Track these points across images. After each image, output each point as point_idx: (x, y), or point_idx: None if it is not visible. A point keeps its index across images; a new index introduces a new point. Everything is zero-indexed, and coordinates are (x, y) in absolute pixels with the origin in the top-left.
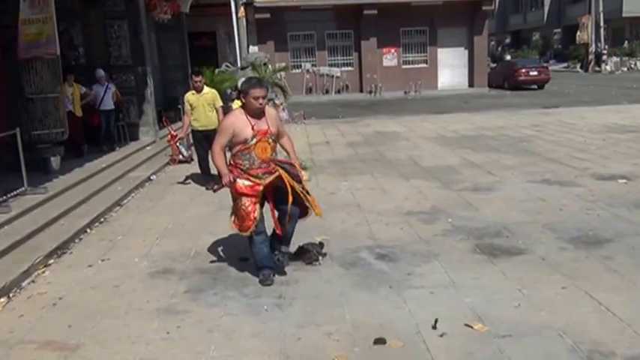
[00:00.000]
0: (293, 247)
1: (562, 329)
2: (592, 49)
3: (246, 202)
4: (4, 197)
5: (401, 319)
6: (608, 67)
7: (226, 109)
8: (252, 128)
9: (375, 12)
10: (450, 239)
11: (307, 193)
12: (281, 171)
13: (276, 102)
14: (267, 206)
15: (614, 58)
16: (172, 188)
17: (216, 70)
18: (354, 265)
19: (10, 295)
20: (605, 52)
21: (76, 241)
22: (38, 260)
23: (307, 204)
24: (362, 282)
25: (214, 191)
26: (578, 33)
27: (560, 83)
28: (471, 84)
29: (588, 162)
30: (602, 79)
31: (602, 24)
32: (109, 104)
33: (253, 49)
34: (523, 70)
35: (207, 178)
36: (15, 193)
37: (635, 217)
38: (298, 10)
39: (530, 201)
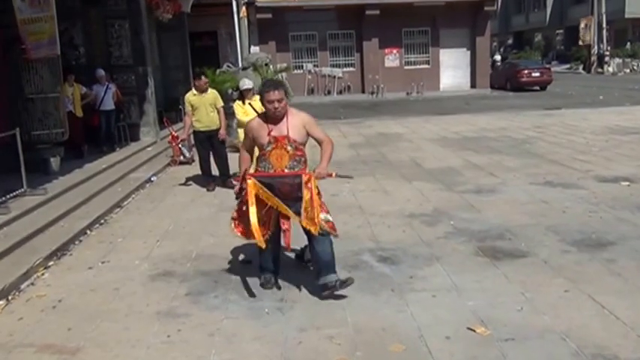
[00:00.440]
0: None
1: (565, 333)
2: (594, 50)
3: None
4: (4, 198)
5: (403, 323)
6: (610, 69)
7: (227, 110)
8: (269, 134)
9: (377, 12)
10: (453, 242)
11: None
12: (258, 187)
13: None
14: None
15: (617, 60)
16: (173, 190)
17: (218, 71)
18: (356, 268)
19: (9, 297)
20: (607, 53)
21: (76, 242)
22: (37, 262)
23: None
24: (364, 285)
25: (236, 197)
26: (581, 34)
27: (563, 84)
28: (473, 85)
29: (591, 164)
30: (604, 81)
31: (604, 25)
32: (109, 104)
33: (255, 49)
34: (525, 72)
35: (208, 180)
36: (14, 194)
37: (638, 220)
38: (300, 10)
39: (533, 203)
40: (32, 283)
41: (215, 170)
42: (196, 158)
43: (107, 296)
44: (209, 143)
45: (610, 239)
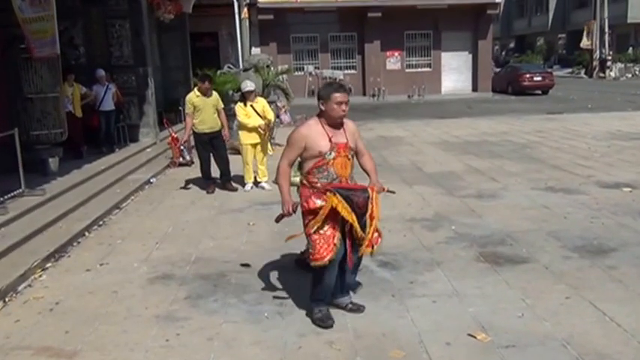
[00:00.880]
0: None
1: (566, 340)
2: (596, 54)
3: (325, 226)
4: (1, 199)
5: (403, 328)
6: (612, 74)
7: (228, 111)
8: (330, 140)
9: (379, 15)
10: (454, 247)
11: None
12: (339, 201)
13: (279, 104)
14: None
15: (619, 65)
16: (173, 192)
17: (218, 72)
18: (360, 272)
19: (6, 299)
20: (609, 58)
21: (74, 244)
22: (35, 264)
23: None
24: (364, 290)
25: (276, 221)
26: (584, 39)
27: (565, 89)
28: (474, 88)
29: (592, 169)
30: (606, 86)
31: (606, 30)
32: (109, 105)
33: (256, 50)
34: (527, 76)
35: (208, 182)
36: (12, 194)
37: (639, 226)
38: (302, 11)
39: (535, 208)
40: (29, 285)
41: (215, 172)
42: (196, 160)
43: (105, 299)
44: (211, 145)
45: (611, 245)
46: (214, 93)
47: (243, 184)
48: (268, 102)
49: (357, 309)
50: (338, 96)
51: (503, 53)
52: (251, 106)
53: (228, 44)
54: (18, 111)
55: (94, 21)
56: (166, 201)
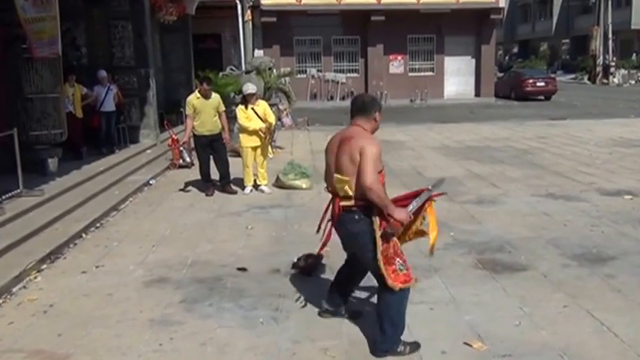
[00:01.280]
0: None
1: (563, 350)
2: (600, 60)
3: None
4: None
5: None
6: (615, 80)
7: (229, 114)
8: None
9: (383, 18)
10: (452, 253)
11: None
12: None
13: (280, 107)
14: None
15: (622, 71)
16: (172, 194)
17: (220, 74)
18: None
19: (0, 301)
20: (613, 64)
21: (71, 246)
22: (30, 265)
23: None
24: (362, 295)
25: (387, 238)
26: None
27: (568, 95)
28: (477, 93)
29: (594, 176)
30: (609, 92)
31: (610, 36)
32: (109, 106)
33: (259, 52)
34: (530, 81)
35: (207, 184)
36: (10, 194)
37: (639, 235)
38: (305, 14)
39: (535, 215)
40: (24, 287)
41: (215, 175)
42: (196, 162)
43: (100, 302)
44: (211, 147)
45: (611, 254)
46: (216, 95)
47: (243, 187)
48: (270, 104)
49: (355, 315)
50: (380, 114)
51: (507, 58)
52: (252, 108)
53: (231, 46)
54: (18, 111)
55: (97, 22)
56: (165, 203)
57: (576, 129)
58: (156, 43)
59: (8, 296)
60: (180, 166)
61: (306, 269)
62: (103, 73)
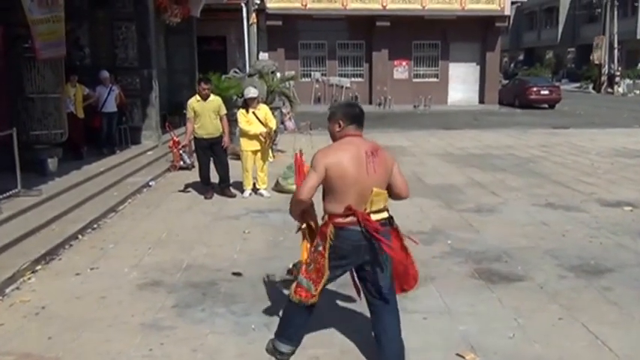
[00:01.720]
0: (285, 264)
1: None
2: (605, 70)
3: None
4: None
5: None
6: (620, 89)
7: (230, 117)
8: None
9: (388, 24)
10: (448, 262)
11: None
12: None
13: (284, 111)
14: None
15: (627, 80)
16: (171, 196)
17: (223, 77)
18: (348, 286)
19: None
20: (618, 73)
21: (67, 247)
22: (25, 266)
23: None
24: (354, 304)
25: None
26: (595, 53)
27: (572, 103)
28: (481, 100)
29: (595, 186)
30: (614, 101)
31: (616, 45)
32: (111, 107)
33: (263, 55)
34: (534, 89)
35: (206, 187)
36: (8, 194)
37: (638, 247)
38: (311, 18)
39: (533, 225)
40: (17, 288)
41: (214, 178)
42: (197, 164)
43: (92, 305)
44: (210, 150)
45: (609, 266)
46: (216, 98)
47: (242, 191)
48: (273, 108)
49: None
50: None
51: (512, 65)
52: (253, 112)
53: (236, 49)
54: (19, 110)
55: (101, 23)
56: (163, 205)
57: (579, 138)
58: (160, 44)
59: (0, 297)
60: (181, 168)
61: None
62: (105, 74)
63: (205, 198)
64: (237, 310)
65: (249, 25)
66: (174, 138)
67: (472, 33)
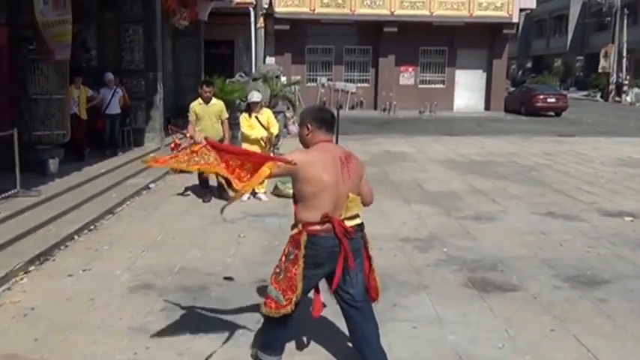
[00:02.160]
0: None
1: None
2: (613, 78)
3: None
4: None
5: None
6: (628, 98)
7: (233, 120)
8: None
9: (395, 30)
10: (443, 270)
11: None
12: None
13: (288, 115)
14: None
15: (635, 89)
16: (170, 198)
17: (227, 80)
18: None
19: None
20: (626, 82)
21: (62, 248)
22: (18, 266)
23: None
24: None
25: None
26: (603, 62)
27: (579, 111)
28: (487, 107)
29: (596, 196)
30: (621, 110)
31: (625, 54)
32: (114, 109)
33: (270, 59)
34: (541, 97)
35: (204, 191)
36: (7, 194)
37: (636, 259)
38: (319, 23)
39: (532, 234)
40: (9, 288)
41: (213, 181)
42: None
43: (81, 306)
44: None
45: (605, 277)
46: (219, 102)
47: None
48: (277, 112)
49: None
50: None
51: (520, 73)
52: (255, 117)
53: (244, 53)
54: (21, 111)
55: (108, 25)
56: (161, 207)
57: (583, 146)
58: (167, 47)
59: None
60: (182, 171)
61: None
62: (110, 76)
63: (204, 201)
64: (225, 315)
65: (256, 29)
66: (176, 140)
67: (479, 40)
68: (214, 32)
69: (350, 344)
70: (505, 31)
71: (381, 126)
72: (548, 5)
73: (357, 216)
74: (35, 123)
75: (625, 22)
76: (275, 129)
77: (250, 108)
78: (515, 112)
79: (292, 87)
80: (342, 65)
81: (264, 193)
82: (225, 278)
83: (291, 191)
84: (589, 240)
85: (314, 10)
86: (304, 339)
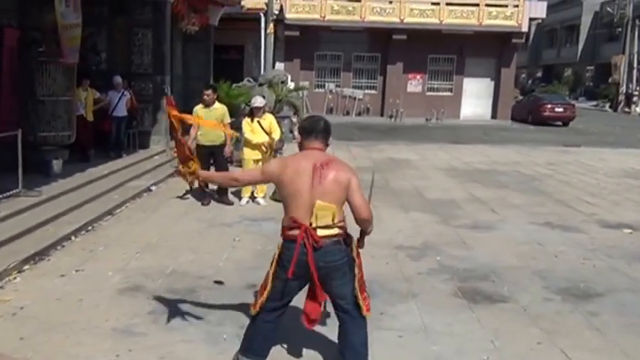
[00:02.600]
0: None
1: None
2: (623, 89)
3: None
4: None
5: None
6: (638, 109)
7: (237, 124)
8: None
9: (405, 37)
10: (434, 279)
11: None
12: None
13: (294, 120)
14: None
15: None
16: (169, 201)
17: (233, 85)
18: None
19: None
20: (636, 93)
21: (58, 248)
22: (12, 265)
23: None
24: (331, 318)
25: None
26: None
27: (586, 121)
28: (494, 116)
29: (597, 207)
30: (630, 121)
31: (635, 65)
32: (121, 111)
33: (279, 65)
34: (548, 106)
35: (203, 194)
36: (8, 194)
37: (632, 272)
38: (329, 30)
39: (528, 244)
40: (1, 287)
41: (212, 185)
42: None
43: (70, 307)
44: (211, 158)
45: (598, 290)
46: (222, 107)
47: (240, 198)
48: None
49: None
50: None
51: (530, 82)
52: (258, 122)
53: (253, 58)
54: (28, 112)
55: (119, 29)
56: (160, 210)
57: (588, 157)
58: (177, 51)
59: None
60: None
61: None
62: (118, 79)
63: (203, 204)
64: (211, 319)
65: (266, 35)
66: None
67: (488, 48)
68: (225, 37)
69: (331, 350)
70: (514, 41)
71: (387, 133)
72: (559, 15)
73: (334, 226)
74: (41, 124)
75: (636, 33)
76: (276, 134)
77: (253, 113)
78: (523, 121)
79: (299, 92)
80: (350, 72)
81: (263, 197)
82: (216, 282)
83: None
84: (585, 252)
85: (324, 17)
86: (287, 344)
